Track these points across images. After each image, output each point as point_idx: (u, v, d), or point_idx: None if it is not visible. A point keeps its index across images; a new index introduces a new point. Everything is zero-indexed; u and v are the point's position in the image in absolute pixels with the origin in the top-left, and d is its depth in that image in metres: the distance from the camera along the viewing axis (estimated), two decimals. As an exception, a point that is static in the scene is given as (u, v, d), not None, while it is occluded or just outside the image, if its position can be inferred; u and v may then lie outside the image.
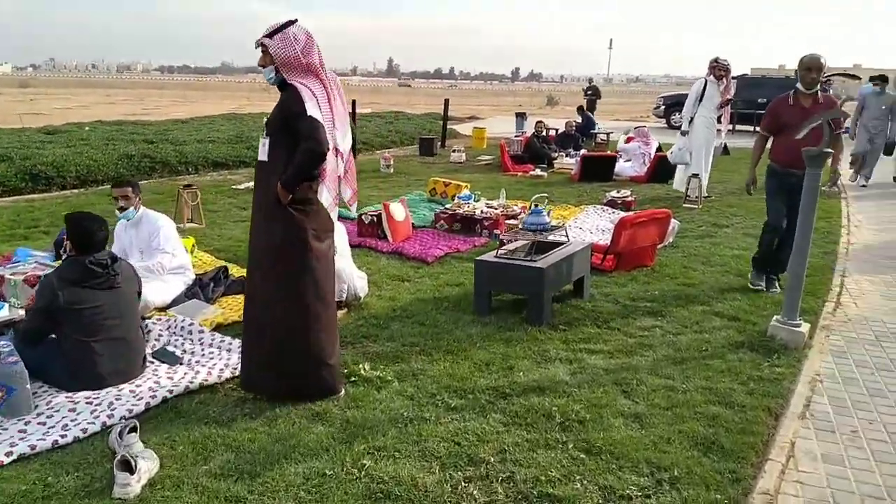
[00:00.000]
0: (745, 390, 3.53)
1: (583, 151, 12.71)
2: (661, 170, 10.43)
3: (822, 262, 6.14)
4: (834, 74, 21.33)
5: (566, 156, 12.49)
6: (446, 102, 16.14)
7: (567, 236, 5.07)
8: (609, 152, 12.28)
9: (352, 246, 6.39)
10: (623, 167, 11.27)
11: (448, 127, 20.63)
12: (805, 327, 4.26)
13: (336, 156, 3.32)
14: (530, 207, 4.94)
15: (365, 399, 3.38)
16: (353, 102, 13.91)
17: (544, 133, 13.19)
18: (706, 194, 9.11)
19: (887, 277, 5.78)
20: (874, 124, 10.71)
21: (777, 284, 5.23)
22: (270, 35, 3.16)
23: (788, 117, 4.83)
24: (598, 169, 10.79)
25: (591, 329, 4.40)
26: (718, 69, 8.93)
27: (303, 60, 3.16)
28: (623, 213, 7.86)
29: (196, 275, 5.03)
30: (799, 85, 4.89)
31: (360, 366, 3.70)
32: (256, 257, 3.35)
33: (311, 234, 3.25)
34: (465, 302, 4.83)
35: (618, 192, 8.72)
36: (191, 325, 4.20)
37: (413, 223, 7.18)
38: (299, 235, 3.22)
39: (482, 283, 4.63)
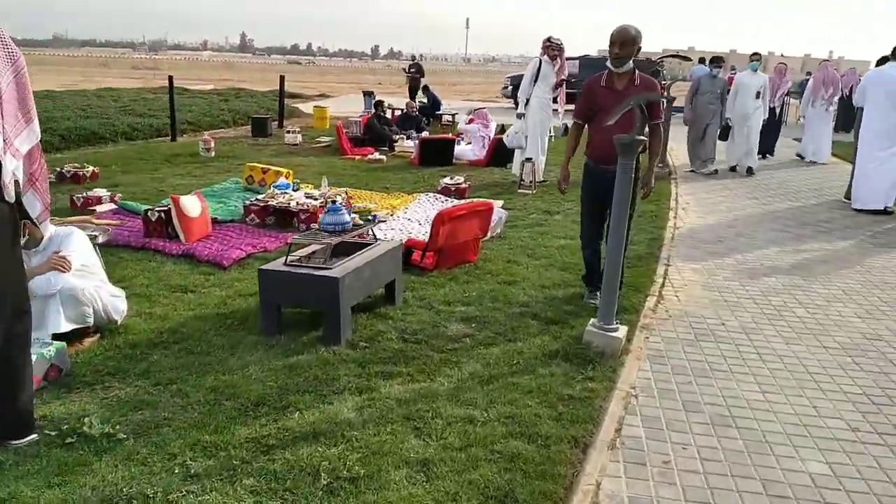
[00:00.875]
0: (553, 415, 3.09)
1: (424, 133, 12.20)
2: (500, 153, 10.11)
3: (648, 249, 5.98)
4: (666, 56, 22.33)
5: (407, 138, 11.91)
6: (282, 79, 14.99)
7: (374, 236, 4.46)
8: (449, 135, 11.84)
9: (135, 248, 5.47)
10: (464, 150, 10.88)
11: (291, 106, 19.52)
12: (622, 331, 3.92)
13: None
14: (326, 205, 4.26)
15: (77, 471, 2.58)
16: (171, 78, 12.56)
17: (386, 114, 12.54)
18: (542, 178, 8.87)
19: (709, 264, 5.69)
20: (709, 109, 10.28)
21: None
22: None
23: (601, 100, 4.20)
24: (437, 153, 10.31)
25: (396, 345, 3.82)
26: (552, 49, 8.64)
27: None
28: (456, 202, 7.42)
29: None
30: (609, 63, 4.22)
31: (88, 420, 2.88)
32: None
33: None
34: (256, 317, 4.09)
35: (451, 178, 8.25)
36: None
37: (217, 218, 6.29)
38: None
39: (269, 296, 3.90)
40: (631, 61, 4.16)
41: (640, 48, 4.15)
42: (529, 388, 3.34)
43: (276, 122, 14.95)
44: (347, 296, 3.80)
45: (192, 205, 5.67)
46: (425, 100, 16.65)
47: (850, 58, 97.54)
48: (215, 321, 4.08)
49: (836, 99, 12.08)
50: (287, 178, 7.56)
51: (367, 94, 19.16)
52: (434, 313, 4.31)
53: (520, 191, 8.39)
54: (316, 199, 6.67)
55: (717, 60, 10.54)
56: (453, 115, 15.69)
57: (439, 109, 16.26)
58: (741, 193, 8.96)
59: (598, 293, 4.51)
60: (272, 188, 6.98)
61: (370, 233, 4.43)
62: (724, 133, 10.51)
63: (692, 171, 10.62)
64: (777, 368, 3.75)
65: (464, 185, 8.09)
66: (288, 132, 12.34)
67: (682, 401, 3.35)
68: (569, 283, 4.97)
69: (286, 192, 6.82)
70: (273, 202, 6.46)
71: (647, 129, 3.96)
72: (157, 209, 5.65)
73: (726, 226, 7.10)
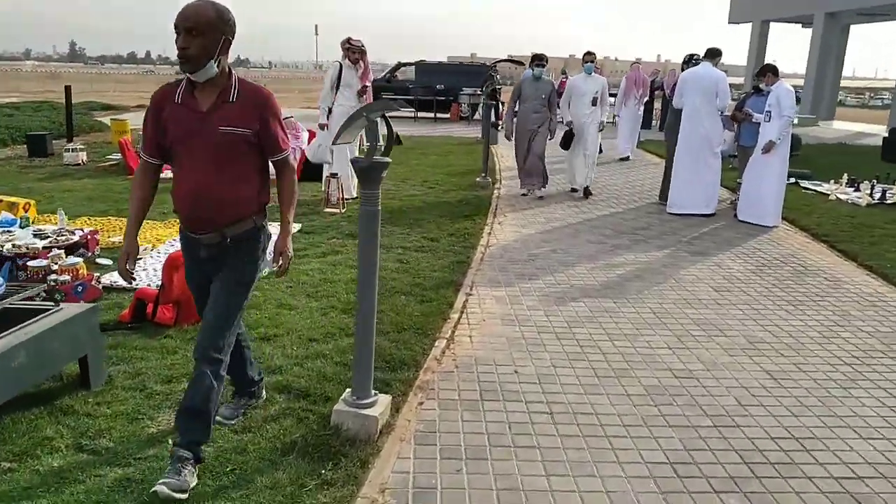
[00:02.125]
0: (250, 566, 2.14)
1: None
2: (313, 167, 9.08)
3: (451, 276, 5.22)
4: (501, 61, 22.35)
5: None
6: (67, 89, 12.98)
7: (54, 299, 3.30)
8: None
9: None
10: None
11: (93, 119, 17.42)
12: (383, 403, 3.05)
13: None
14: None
15: None
16: None
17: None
18: (353, 195, 7.96)
19: (515, 290, 5.01)
20: (534, 118, 8.42)
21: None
22: None
23: (178, 125, 2.51)
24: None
25: (61, 460, 2.70)
26: (352, 51, 7.76)
27: None
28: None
29: None
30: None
31: None
32: None
33: None
34: None
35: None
36: None
37: None
38: None
39: None
40: (217, 64, 2.45)
41: (229, 39, 2.46)
42: (232, 517, 2.37)
43: (67, 139, 12.99)
44: (-21, 398, 2.64)
45: None
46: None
47: (676, 60, 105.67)
48: None
49: (645, 99, 12.68)
50: (22, 211, 6.11)
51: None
52: (144, 397, 3.23)
53: (326, 210, 7.43)
54: (48, 237, 5.34)
55: (538, 59, 8.59)
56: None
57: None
58: (561, 201, 8.52)
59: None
60: (-8, 226, 5.54)
61: (45, 294, 3.27)
62: (567, 141, 8.72)
63: (523, 194, 8.77)
64: (569, 434, 3.04)
65: (256, 208, 6.99)
66: (68, 151, 10.58)
67: (444, 506, 2.52)
68: (347, 330, 4.06)
69: (8, 231, 5.42)
70: (-16, 246, 5.05)
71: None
72: None
73: (541, 240, 6.52)
